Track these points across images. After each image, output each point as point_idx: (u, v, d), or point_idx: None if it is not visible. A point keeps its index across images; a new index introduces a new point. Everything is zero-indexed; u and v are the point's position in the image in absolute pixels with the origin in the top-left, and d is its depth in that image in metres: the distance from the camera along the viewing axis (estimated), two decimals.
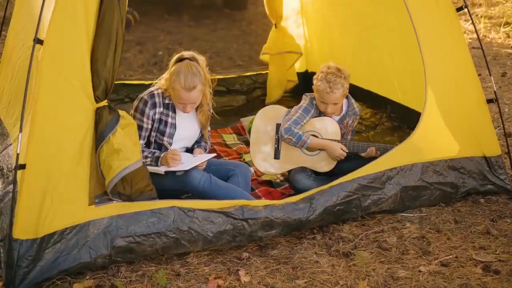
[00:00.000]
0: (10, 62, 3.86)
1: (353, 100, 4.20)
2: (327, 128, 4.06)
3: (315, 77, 4.05)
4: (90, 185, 3.09)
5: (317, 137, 4.05)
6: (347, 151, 3.98)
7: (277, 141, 4.14)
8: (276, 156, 4.13)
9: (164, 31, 8.62)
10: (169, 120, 3.68)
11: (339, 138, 4.03)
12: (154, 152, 3.63)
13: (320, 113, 4.12)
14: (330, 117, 4.09)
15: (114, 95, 5.24)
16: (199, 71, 3.58)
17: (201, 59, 3.69)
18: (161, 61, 7.24)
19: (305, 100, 4.13)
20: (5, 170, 3.42)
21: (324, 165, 4.04)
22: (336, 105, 4.02)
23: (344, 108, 4.16)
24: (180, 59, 3.65)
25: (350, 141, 4.05)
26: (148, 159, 3.59)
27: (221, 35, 8.58)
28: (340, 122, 4.11)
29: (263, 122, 4.20)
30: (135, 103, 3.67)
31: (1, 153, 3.57)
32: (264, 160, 4.15)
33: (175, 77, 3.55)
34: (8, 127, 3.66)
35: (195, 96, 3.59)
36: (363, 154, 3.98)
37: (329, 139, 4.03)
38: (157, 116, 3.65)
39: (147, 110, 3.62)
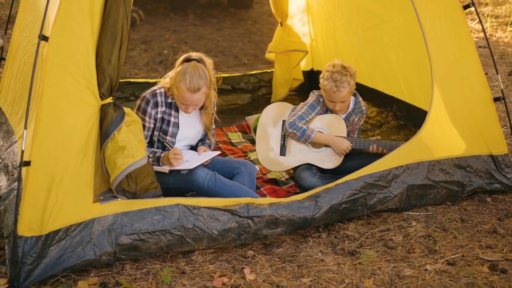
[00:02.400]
0: (16, 60, 3.87)
1: (360, 99, 4.18)
2: (333, 125, 4.05)
3: (321, 76, 4.05)
4: (94, 182, 3.09)
5: (322, 133, 4.03)
6: (352, 145, 3.98)
7: (283, 138, 4.13)
8: (282, 152, 4.13)
9: (170, 29, 8.63)
10: (172, 119, 3.66)
11: (345, 134, 4.02)
12: (155, 152, 3.62)
13: (327, 110, 4.12)
14: (336, 113, 4.09)
15: (120, 93, 5.25)
16: (205, 74, 3.56)
17: (209, 61, 3.66)
18: (166, 59, 7.24)
19: (312, 97, 4.13)
20: (10, 168, 3.42)
21: (330, 162, 4.03)
22: (344, 103, 4.02)
23: (351, 106, 4.15)
24: (188, 60, 3.63)
25: (355, 138, 4.04)
26: (150, 159, 3.56)
27: (226, 34, 8.58)
28: (346, 119, 4.10)
29: (269, 118, 4.19)
30: (138, 102, 3.66)
31: (6, 150, 3.57)
32: (270, 157, 4.14)
33: (181, 77, 3.53)
34: (13, 125, 3.67)
35: (198, 98, 3.57)
36: (368, 151, 3.97)
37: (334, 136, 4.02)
38: (159, 116, 3.64)
39: (149, 109, 3.60)
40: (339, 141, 3.97)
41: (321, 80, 4.03)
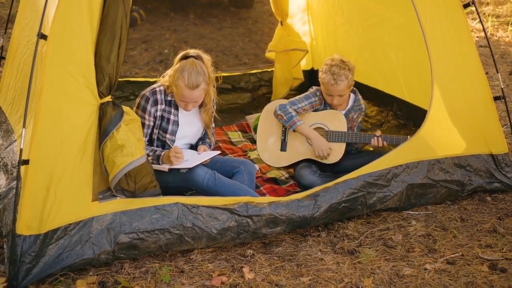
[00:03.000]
0: (16, 59, 3.87)
1: (360, 96, 4.22)
2: (334, 120, 4.08)
3: (320, 69, 4.10)
4: (93, 181, 3.08)
5: (323, 129, 4.05)
6: (353, 140, 4.01)
7: (284, 133, 4.15)
8: (283, 148, 4.15)
9: (170, 29, 8.63)
10: (171, 117, 3.66)
11: (345, 130, 4.05)
12: (156, 150, 3.61)
13: (326, 106, 4.14)
14: (336, 109, 4.11)
15: (120, 92, 5.25)
16: (203, 70, 3.56)
17: (207, 58, 3.66)
18: (166, 59, 7.25)
19: (310, 90, 4.19)
20: (9, 166, 3.42)
21: (330, 157, 4.03)
22: (341, 97, 4.04)
23: (350, 103, 4.18)
24: (186, 57, 3.63)
25: (356, 133, 4.05)
26: (149, 157, 3.56)
27: (227, 33, 8.58)
28: (345, 116, 4.12)
29: (270, 115, 4.20)
30: (137, 100, 3.66)
31: (5, 149, 3.57)
32: (271, 153, 4.17)
33: (179, 75, 3.53)
34: (13, 124, 3.67)
35: (197, 95, 3.57)
36: (370, 146, 4.00)
37: (334, 131, 4.04)
38: (159, 113, 3.64)
39: (148, 107, 3.60)
40: (320, 141, 3.99)
41: (319, 74, 4.08)
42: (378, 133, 4.01)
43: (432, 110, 3.81)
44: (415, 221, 3.70)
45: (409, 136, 3.87)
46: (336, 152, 4.03)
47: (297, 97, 4.14)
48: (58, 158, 2.98)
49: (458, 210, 3.83)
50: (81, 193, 3.05)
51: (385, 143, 3.96)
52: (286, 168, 4.30)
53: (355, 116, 4.18)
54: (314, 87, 4.20)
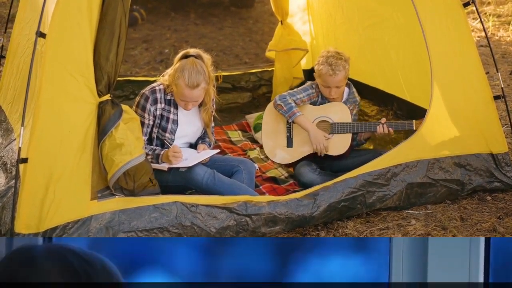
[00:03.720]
0: (16, 58, 3.87)
1: (354, 89, 4.28)
2: (338, 112, 4.11)
3: (316, 62, 4.13)
4: (92, 179, 3.08)
5: (328, 121, 4.07)
6: (357, 129, 4.05)
7: (289, 130, 4.16)
8: (289, 144, 4.17)
9: (171, 29, 8.63)
10: (171, 116, 3.66)
11: (350, 120, 4.09)
12: (155, 149, 3.61)
13: (322, 99, 4.17)
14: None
15: (120, 91, 5.24)
16: (203, 69, 3.56)
17: (207, 57, 3.67)
18: (167, 58, 7.24)
19: (306, 84, 4.25)
20: (8, 165, 3.42)
21: (335, 149, 4.06)
22: (339, 89, 4.08)
23: (345, 95, 4.23)
24: (186, 56, 3.63)
25: (359, 123, 4.07)
26: (149, 157, 3.56)
27: (228, 33, 8.57)
28: None
29: (274, 113, 4.22)
30: (137, 99, 3.66)
31: (5, 148, 3.57)
32: (278, 150, 4.19)
33: (179, 74, 3.53)
34: (12, 123, 3.67)
35: (198, 94, 3.57)
36: (376, 134, 4.05)
37: (339, 123, 4.06)
38: (158, 112, 3.64)
39: (148, 106, 3.60)
40: (317, 133, 4.01)
41: (316, 67, 4.11)
42: (383, 120, 4.04)
43: (432, 109, 3.80)
44: (415, 220, 3.69)
45: (414, 121, 3.88)
46: (342, 144, 4.05)
47: (295, 90, 4.19)
48: (57, 157, 2.98)
49: (457, 210, 3.82)
50: (80, 191, 3.05)
51: (390, 129, 3.96)
52: (288, 165, 4.30)
53: (350, 108, 4.23)
54: (309, 82, 4.25)
